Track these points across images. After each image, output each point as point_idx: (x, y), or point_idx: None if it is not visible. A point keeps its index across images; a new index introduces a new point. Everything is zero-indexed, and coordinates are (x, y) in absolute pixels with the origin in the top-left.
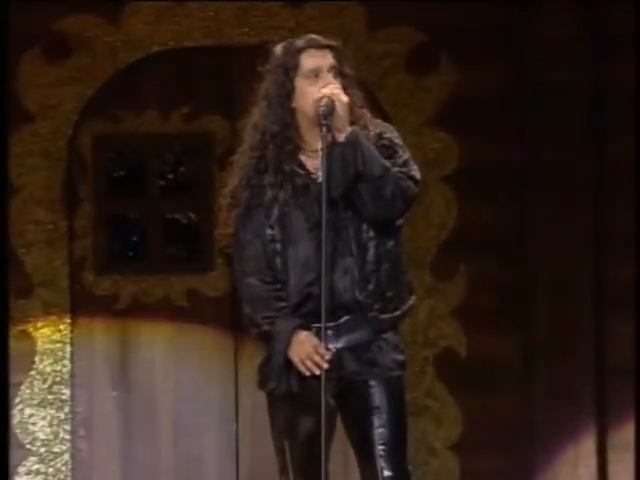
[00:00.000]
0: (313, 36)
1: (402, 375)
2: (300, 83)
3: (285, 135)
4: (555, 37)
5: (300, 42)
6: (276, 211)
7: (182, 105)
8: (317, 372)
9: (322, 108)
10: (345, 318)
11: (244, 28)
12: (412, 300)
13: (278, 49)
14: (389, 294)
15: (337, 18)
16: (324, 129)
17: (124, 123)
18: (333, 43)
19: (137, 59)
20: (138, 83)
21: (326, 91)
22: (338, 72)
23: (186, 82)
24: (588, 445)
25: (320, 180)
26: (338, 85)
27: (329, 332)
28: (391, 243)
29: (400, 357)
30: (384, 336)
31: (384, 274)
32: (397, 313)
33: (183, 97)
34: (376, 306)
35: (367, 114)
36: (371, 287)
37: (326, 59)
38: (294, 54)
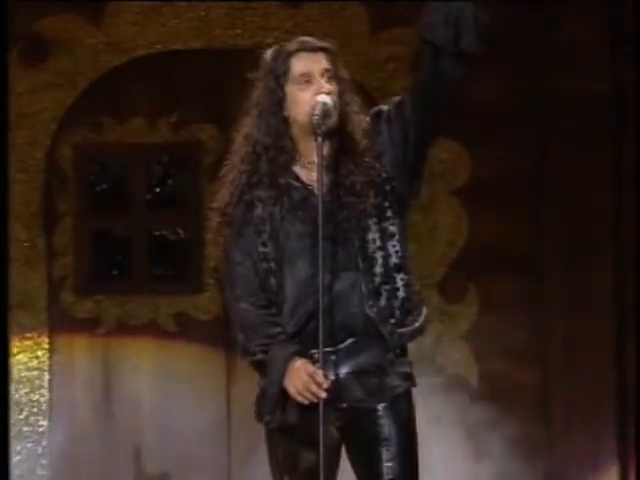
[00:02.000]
0: (305, 38)
1: (410, 391)
2: (291, 89)
3: (278, 146)
4: (572, 40)
5: (290, 45)
6: (269, 227)
7: (170, 113)
8: (315, 402)
9: (315, 117)
10: (350, 340)
11: (237, 29)
12: (425, 311)
13: (268, 54)
14: (406, 305)
15: (338, 19)
16: (319, 139)
17: (107, 132)
18: (326, 45)
19: (121, 63)
20: (122, 89)
21: (320, 98)
22: (333, 76)
23: (174, 88)
24: (611, 478)
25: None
26: (332, 89)
27: (332, 357)
28: (398, 249)
29: (406, 369)
30: (391, 357)
31: (396, 284)
32: (417, 324)
33: (171, 104)
34: (392, 320)
35: (365, 122)
36: (383, 300)
37: (318, 62)
38: (284, 58)
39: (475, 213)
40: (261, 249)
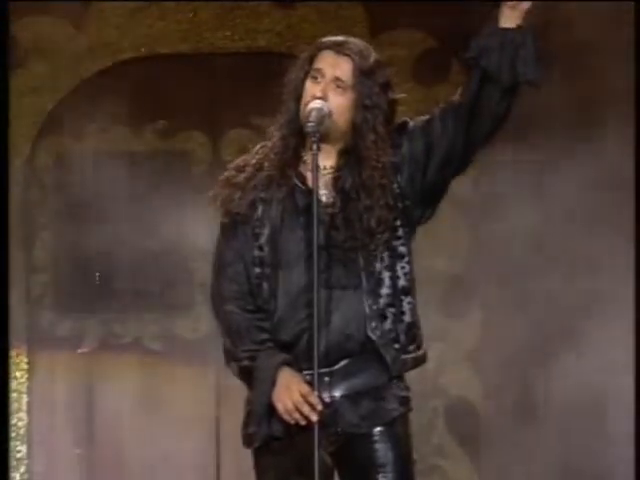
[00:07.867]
0: (341, 38)
1: (407, 416)
2: (307, 85)
3: (286, 141)
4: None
5: (326, 40)
6: (267, 230)
7: (155, 120)
8: (304, 423)
9: (310, 124)
10: (345, 361)
11: (227, 31)
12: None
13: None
14: (413, 331)
15: (335, 20)
16: (314, 147)
17: (89, 140)
18: (353, 56)
19: (104, 67)
20: (105, 95)
21: (318, 104)
22: (348, 87)
23: (160, 93)
24: None
25: (326, 200)
26: (331, 98)
27: (326, 379)
28: (407, 271)
29: (403, 393)
30: (388, 380)
31: (402, 308)
32: (421, 352)
33: (157, 110)
34: (396, 345)
35: (385, 154)
36: (388, 323)
37: (335, 67)
38: (313, 51)
39: (477, 223)
40: (257, 253)
